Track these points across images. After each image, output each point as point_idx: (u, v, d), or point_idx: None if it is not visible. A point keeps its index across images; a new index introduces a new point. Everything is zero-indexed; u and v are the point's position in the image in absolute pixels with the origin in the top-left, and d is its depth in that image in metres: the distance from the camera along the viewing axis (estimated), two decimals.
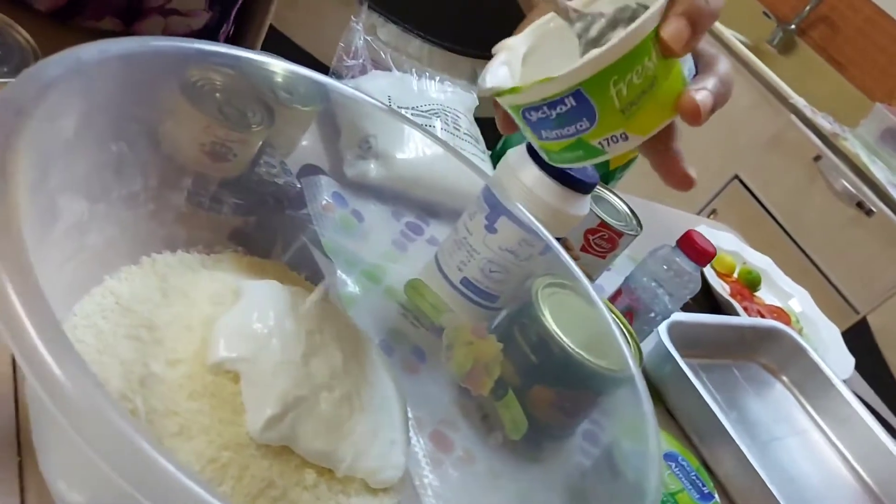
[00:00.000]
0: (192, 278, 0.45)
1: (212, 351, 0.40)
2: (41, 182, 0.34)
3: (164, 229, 0.46)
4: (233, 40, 0.80)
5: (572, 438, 0.58)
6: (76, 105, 0.36)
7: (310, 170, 0.68)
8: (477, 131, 0.83)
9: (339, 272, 0.62)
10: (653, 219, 0.91)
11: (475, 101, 0.87)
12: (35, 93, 0.33)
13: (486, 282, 0.60)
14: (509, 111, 0.41)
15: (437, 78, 0.84)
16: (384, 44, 0.82)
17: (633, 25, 0.36)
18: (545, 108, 0.38)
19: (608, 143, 0.38)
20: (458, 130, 0.80)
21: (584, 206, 0.60)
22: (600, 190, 0.76)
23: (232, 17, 0.73)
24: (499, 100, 0.41)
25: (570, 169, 0.58)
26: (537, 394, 0.57)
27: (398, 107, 0.78)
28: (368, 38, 0.81)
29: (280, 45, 0.82)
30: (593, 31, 0.39)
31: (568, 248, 0.78)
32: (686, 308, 0.78)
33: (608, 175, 0.84)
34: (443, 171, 0.72)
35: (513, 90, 0.38)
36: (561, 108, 0.37)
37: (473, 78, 0.90)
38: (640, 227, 0.75)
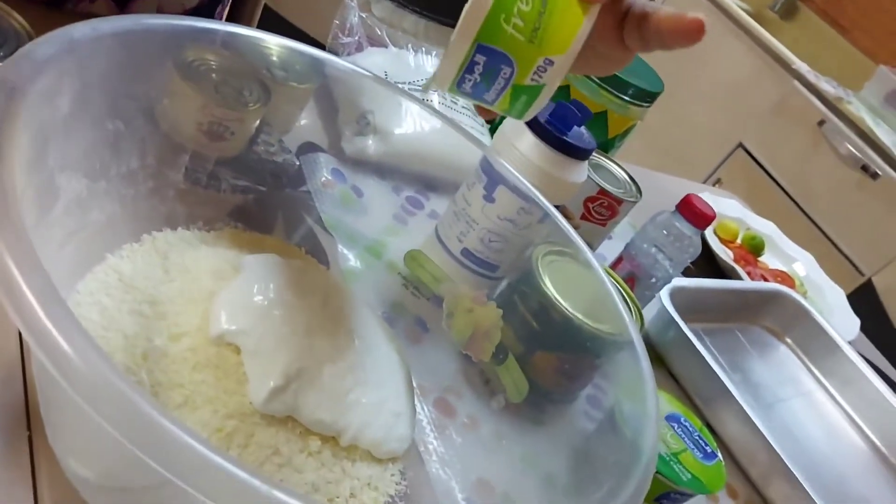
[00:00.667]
0: (193, 254, 0.46)
1: (213, 324, 0.41)
2: (39, 161, 0.35)
3: (165, 206, 0.47)
4: (229, 17, 0.80)
5: (576, 402, 0.59)
6: (70, 84, 0.36)
7: (308, 147, 0.69)
8: None
9: (340, 247, 0.62)
10: (654, 187, 0.91)
11: None
12: (28, 72, 0.33)
13: (486, 252, 0.61)
14: (456, 96, 0.42)
15: (434, 52, 0.84)
16: (379, 20, 0.82)
17: None
18: (467, 76, 0.38)
19: (539, 76, 0.38)
20: (456, 104, 0.80)
21: (581, 172, 0.60)
22: (599, 158, 0.76)
23: None
24: (433, 89, 0.42)
25: (565, 135, 0.58)
26: (540, 359, 0.57)
27: (395, 82, 0.78)
28: (363, 15, 0.81)
29: (275, 24, 0.82)
30: None
31: (568, 217, 0.78)
32: (688, 274, 0.78)
33: (607, 143, 0.84)
34: (441, 144, 0.73)
35: (432, 77, 0.39)
36: (478, 69, 0.38)
37: None
38: (640, 193, 0.75)
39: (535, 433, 0.56)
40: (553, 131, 0.58)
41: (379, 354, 0.50)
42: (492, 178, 0.59)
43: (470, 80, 0.38)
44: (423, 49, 0.83)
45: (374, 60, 0.80)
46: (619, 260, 0.75)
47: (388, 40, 0.83)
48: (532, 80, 0.38)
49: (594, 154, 0.77)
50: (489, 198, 0.59)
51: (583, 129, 0.61)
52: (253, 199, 0.60)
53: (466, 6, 0.36)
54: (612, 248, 0.81)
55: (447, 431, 0.53)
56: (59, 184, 0.37)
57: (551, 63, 0.37)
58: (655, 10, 0.39)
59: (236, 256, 0.46)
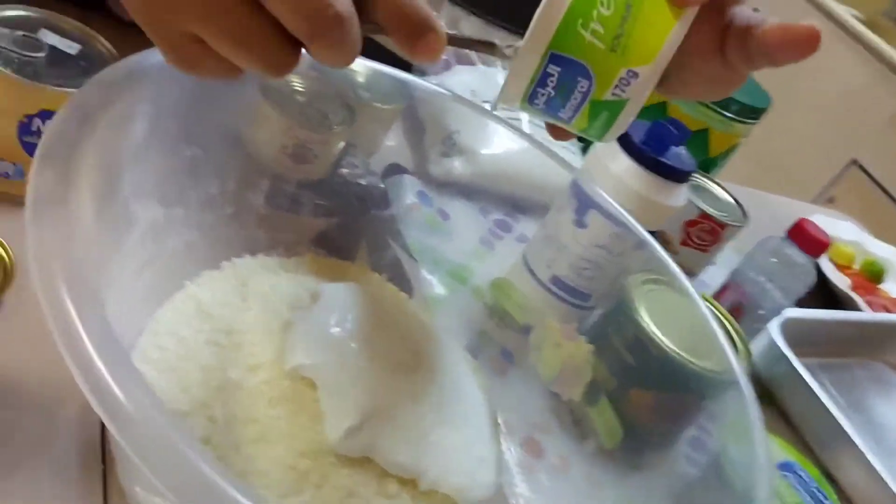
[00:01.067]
0: (272, 281, 0.45)
1: (289, 356, 0.40)
2: (113, 188, 0.34)
3: (245, 232, 0.46)
4: None
5: (676, 445, 0.54)
6: (145, 110, 0.36)
7: (394, 169, 0.67)
8: None
9: (424, 272, 0.60)
10: (761, 208, 0.85)
11: None
12: (101, 99, 0.32)
13: (578, 279, 0.57)
14: (528, 113, 0.38)
15: None
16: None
17: None
18: (539, 90, 0.34)
19: (622, 89, 0.33)
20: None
21: (679, 195, 0.56)
22: (700, 179, 0.72)
23: None
24: (505, 107, 0.38)
25: (662, 156, 0.54)
26: (636, 397, 0.53)
27: (482, 101, 0.76)
28: (451, 33, 0.79)
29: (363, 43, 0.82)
30: None
31: (666, 242, 0.74)
32: (800, 304, 0.72)
33: (708, 163, 0.79)
34: (530, 165, 0.70)
35: (501, 92, 0.36)
36: (551, 82, 0.33)
37: None
38: (746, 217, 0.70)
39: (631, 478, 0.52)
40: (649, 152, 0.54)
41: (463, 393, 0.47)
42: (583, 201, 0.56)
43: (543, 95, 0.34)
44: None
45: (461, 79, 0.78)
46: (723, 289, 0.70)
47: (476, 58, 0.81)
48: (613, 94, 0.34)
49: (694, 175, 0.73)
50: (580, 223, 0.56)
51: (681, 148, 0.57)
52: (336, 223, 0.59)
53: (538, 9, 0.32)
54: (715, 275, 0.76)
55: (535, 474, 0.50)
56: (134, 211, 0.37)
57: (635, 75, 0.33)
58: (760, 21, 0.34)
59: (316, 284, 0.45)
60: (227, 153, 0.43)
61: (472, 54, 0.81)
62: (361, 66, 0.64)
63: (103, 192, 0.32)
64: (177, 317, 0.42)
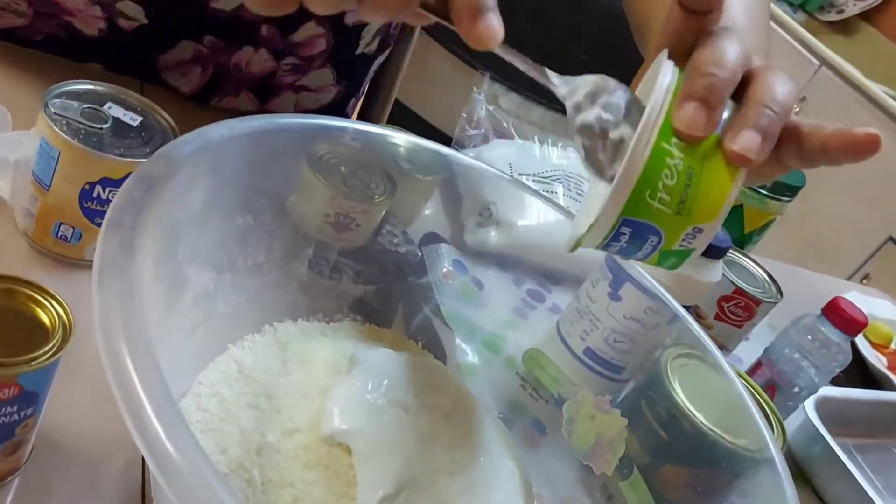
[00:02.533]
0: (312, 347, 0.46)
1: (325, 422, 0.40)
2: (170, 254, 0.36)
3: (287, 298, 0.47)
4: (361, 112, 0.83)
5: None
6: (204, 181, 0.38)
7: (431, 238, 0.69)
8: None
9: (458, 341, 0.61)
10: (795, 284, 0.85)
11: None
12: (166, 170, 0.34)
13: (611, 352, 0.58)
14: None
15: (560, 144, 0.84)
16: (506, 112, 0.83)
17: (631, 149, 0.35)
18: (613, 243, 0.38)
19: (688, 242, 0.37)
20: (581, 196, 0.78)
21: (715, 272, 0.57)
22: (735, 255, 0.72)
23: (362, 91, 0.76)
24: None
25: None
26: (668, 473, 0.53)
27: (519, 174, 0.78)
28: (490, 108, 0.82)
29: (404, 116, 0.85)
30: (578, 96, 0.38)
31: (700, 318, 0.74)
32: (835, 382, 0.71)
33: (743, 239, 0.79)
34: (564, 237, 0.71)
35: (576, 240, 0.39)
36: (623, 239, 0.37)
37: None
38: (781, 294, 0.70)
39: None
40: None
41: (498, 465, 0.47)
42: (618, 275, 0.56)
43: (616, 246, 0.38)
44: (550, 140, 0.83)
45: (499, 152, 0.80)
46: (757, 365, 0.69)
47: (514, 132, 0.83)
48: (681, 245, 0.37)
49: (731, 252, 0.73)
50: (615, 296, 0.57)
51: None
52: (374, 290, 0.60)
53: (614, 182, 0.35)
54: (749, 350, 0.75)
55: None
56: (187, 276, 0.38)
57: (700, 230, 0.37)
58: (815, 128, 0.37)
59: (353, 349, 0.46)
60: (275, 222, 0.45)
61: (511, 128, 0.84)
62: (403, 140, 0.67)
63: (161, 257, 0.34)
64: (220, 379, 0.43)
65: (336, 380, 0.43)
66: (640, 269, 0.56)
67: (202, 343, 0.42)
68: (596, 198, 0.40)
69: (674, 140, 0.35)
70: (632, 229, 0.37)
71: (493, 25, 0.32)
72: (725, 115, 0.36)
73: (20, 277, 0.34)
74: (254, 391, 0.43)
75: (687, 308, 0.56)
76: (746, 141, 0.34)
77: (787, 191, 0.78)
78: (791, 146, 0.37)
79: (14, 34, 0.60)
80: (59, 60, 0.61)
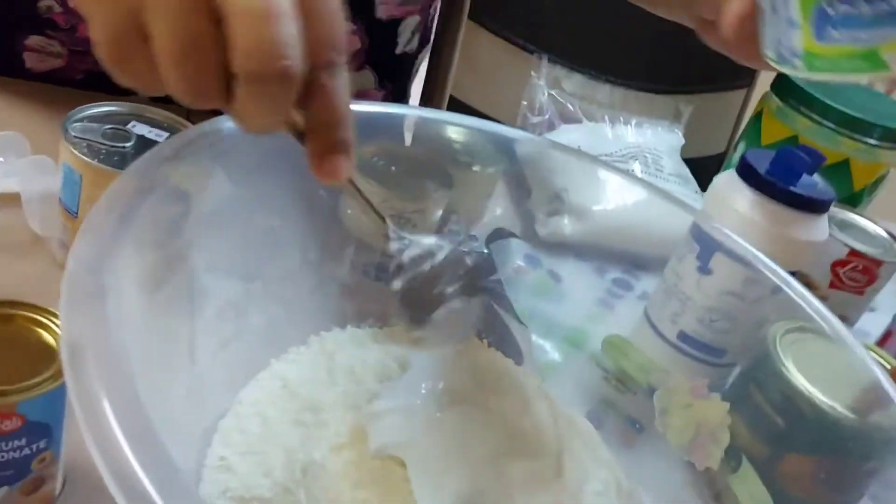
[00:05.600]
0: (360, 354, 0.42)
1: (373, 435, 0.36)
2: (176, 262, 0.33)
3: (331, 304, 0.43)
4: None
5: None
6: (215, 178, 0.34)
7: (500, 234, 0.64)
8: (686, 170, 0.74)
9: (535, 338, 0.55)
10: None
11: (680, 139, 0.78)
12: (160, 168, 0.31)
13: (708, 333, 0.51)
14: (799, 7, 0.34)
15: (633, 121, 0.77)
16: (570, 95, 0.77)
17: None
18: (863, 3, 0.32)
19: None
20: (661, 171, 0.71)
21: (819, 228, 0.49)
22: (846, 214, 0.64)
23: (409, 92, 0.73)
24: None
25: (793, 185, 0.48)
26: (791, 465, 0.45)
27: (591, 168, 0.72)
28: (553, 92, 0.77)
29: (460, 113, 0.80)
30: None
31: (812, 287, 0.65)
32: None
33: (854, 197, 0.70)
34: (647, 216, 0.64)
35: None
36: (882, 7, 0.31)
37: (676, 116, 0.82)
38: None
39: None
40: (777, 183, 0.48)
41: (590, 477, 0.41)
42: (705, 244, 0.50)
43: (854, 8, 0.32)
44: (621, 119, 0.77)
45: (567, 138, 0.75)
46: (886, 335, 0.60)
47: (581, 115, 0.77)
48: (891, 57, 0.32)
49: (840, 211, 0.65)
50: (704, 269, 0.50)
51: (816, 177, 0.50)
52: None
53: None
54: (875, 321, 0.66)
55: None
56: (205, 286, 0.35)
57: None
58: None
59: (405, 353, 0.41)
60: (307, 221, 0.41)
61: (578, 111, 0.78)
62: (459, 129, 0.63)
63: (162, 264, 0.31)
64: (262, 396, 0.39)
65: (386, 386, 0.39)
66: (732, 235, 0.49)
67: (238, 358, 0.39)
68: None
69: None
70: None
71: (339, 167, 0.29)
72: None
73: (19, 301, 0.32)
74: (299, 406, 0.39)
75: (793, 275, 0.49)
76: None
77: None
78: None
79: (56, 76, 0.60)
80: (94, 95, 0.60)
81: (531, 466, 0.38)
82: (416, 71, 0.72)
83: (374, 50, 0.65)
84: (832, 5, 0.32)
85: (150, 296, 0.29)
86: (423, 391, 0.38)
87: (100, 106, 0.46)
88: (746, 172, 0.49)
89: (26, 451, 0.31)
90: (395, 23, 0.65)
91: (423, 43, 0.71)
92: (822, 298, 0.64)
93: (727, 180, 0.51)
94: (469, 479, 0.35)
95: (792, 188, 0.48)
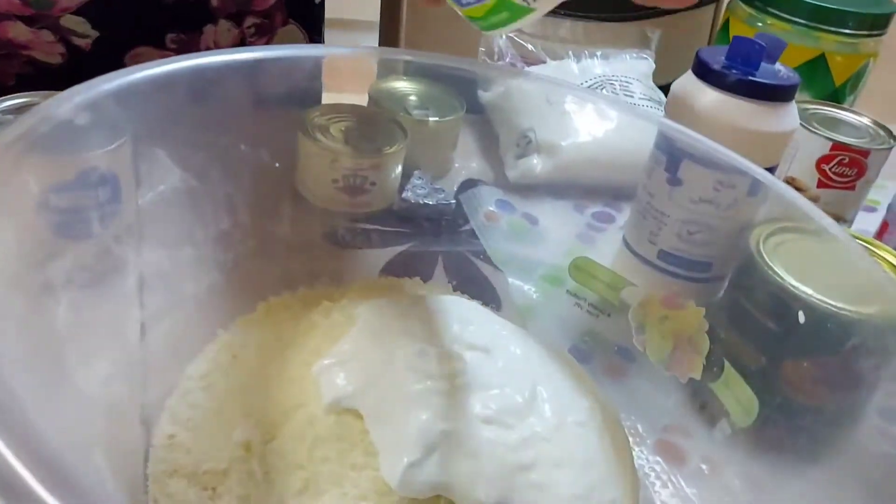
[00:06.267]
0: (312, 315, 0.39)
1: (325, 389, 0.34)
2: (83, 227, 0.30)
3: (276, 268, 0.41)
4: None
5: (862, 420, 0.43)
6: (100, 138, 0.32)
7: (469, 185, 0.62)
8: (659, 94, 0.71)
9: (512, 281, 0.53)
10: None
11: (651, 65, 0.75)
12: (47, 125, 0.29)
13: (690, 248, 0.48)
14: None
15: (599, 53, 0.74)
16: (530, 36, 0.74)
17: None
18: None
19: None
20: (632, 97, 0.68)
21: (787, 117, 0.46)
22: (826, 109, 0.60)
23: None
24: None
25: (752, 75, 0.45)
26: (791, 370, 0.43)
27: (554, 101, 0.69)
28: (511, 35, 0.74)
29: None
30: None
31: (800, 190, 0.62)
32: None
33: (836, 94, 0.67)
34: (619, 142, 0.61)
35: None
36: None
37: (644, 42, 0.78)
38: (894, 138, 0.57)
39: (808, 474, 0.41)
40: (736, 75, 0.45)
41: (571, 409, 0.37)
42: (671, 154, 0.47)
43: None
44: (586, 52, 0.74)
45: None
46: (883, 227, 0.57)
47: (544, 54, 0.74)
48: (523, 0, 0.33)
49: (819, 107, 0.61)
50: (674, 180, 0.47)
51: (778, 65, 0.47)
52: (406, 250, 0.53)
53: None
54: (871, 220, 0.63)
55: (678, 485, 0.40)
56: (122, 256, 0.33)
57: None
58: None
59: (354, 307, 0.39)
60: (229, 181, 0.38)
61: (541, 51, 0.75)
62: (410, 83, 0.60)
63: (57, 229, 0.28)
64: (212, 369, 0.37)
65: (336, 343, 0.36)
66: (697, 138, 0.46)
67: (179, 332, 0.37)
68: None
69: None
70: None
71: None
72: None
73: None
74: (249, 374, 0.36)
75: (770, 171, 0.46)
76: None
77: (878, 23, 0.65)
78: None
79: None
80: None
81: (499, 400, 0.35)
82: None
83: (293, 1, 0.63)
84: None
85: (32, 275, 0.27)
86: (375, 340, 0.36)
87: (13, 98, 0.44)
88: (702, 70, 0.46)
89: None
90: None
91: None
92: (813, 200, 0.61)
93: (684, 82, 0.48)
94: (428, 420, 0.33)
95: (751, 78, 0.44)
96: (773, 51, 0.46)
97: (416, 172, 0.58)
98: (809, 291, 0.41)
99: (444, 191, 0.58)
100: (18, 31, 0.55)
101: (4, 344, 0.21)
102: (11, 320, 0.23)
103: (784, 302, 0.42)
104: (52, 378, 0.26)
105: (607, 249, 0.55)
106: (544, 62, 0.74)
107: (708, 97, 0.46)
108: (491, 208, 0.59)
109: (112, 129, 0.32)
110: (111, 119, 0.32)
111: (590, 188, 0.62)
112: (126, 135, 0.33)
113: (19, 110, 0.44)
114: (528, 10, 0.33)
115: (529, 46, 0.74)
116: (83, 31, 0.56)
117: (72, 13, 0.55)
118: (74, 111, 0.30)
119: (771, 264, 0.43)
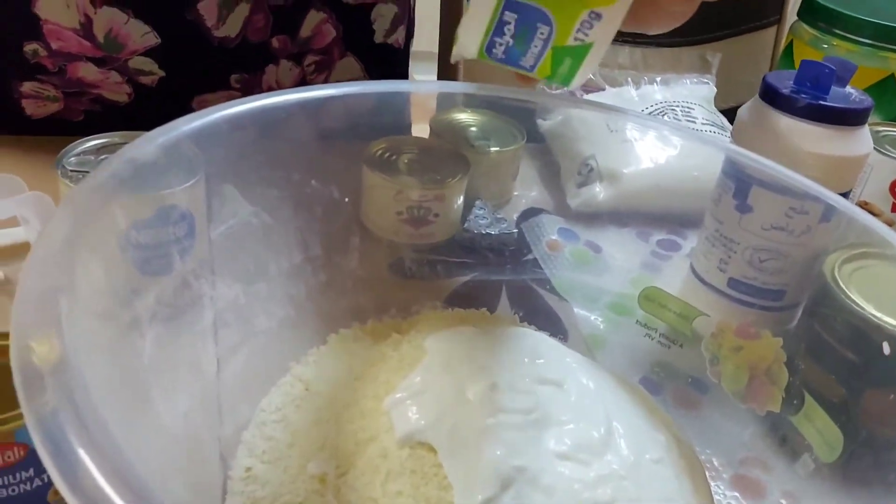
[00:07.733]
0: (382, 347, 0.40)
1: (397, 423, 0.34)
2: (163, 263, 0.31)
3: (345, 300, 0.41)
4: None
5: None
6: (181, 179, 0.33)
7: (530, 213, 0.61)
8: (721, 119, 0.70)
9: (577, 310, 0.52)
10: None
11: (712, 89, 0.74)
12: (130, 167, 0.30)
13: (761, 276, 0.47)
14: (487, 62, 0.36)
15: (659, 79, 0.74)
16: None
17: None
18: (497, 40, 0.33)
19: (585, 33, 0.32)
20: (694, 122, 0.67)
21: (860, 141, 0.45)
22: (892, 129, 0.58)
23: None
24: (464, 58, 0.36)
25: (822, 99, 0.44)
26: (872, 401, 0.41)
27: (615, 129, 0.68)
28: None
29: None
30: None
31: (875, 214, 0.60)
32: None
33: None
34: (682, 169, 0.61)
35: (456, 43, 0.35)
36: (509, 30, 0.33)
37: (704, 66, 0.78)
38: None
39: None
40: (804, 99, 0.44)
41: (647, 444, 0.37)
42: (740, 180, 0.46)
43: (501, 45, 0.33)
44: (645, 78, 0.73)
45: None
46: None
47: (603, 82, 0.74)
48: (576, 39, 0.32)
49: (893, 129, 0.59)
50: (744, 206, 0.46)
51: (849, 89, 0.46)
52: (470, 280, 0.53)
53: None
54: None
55: None
56: (197, 290, 0.33)
57: (598, 17, 0.31)
58: None
59: (423, 339, 0.39)
60: (301, 215, 0.39)
61: (599, 78, 0.75)
62: (470, 114, 0.61)
63: (137, 270, 0.29)
64: (285, 402, 0.38)
65: (410, 375, 0.37)
66: (765, 164, 0.45)
67: (252, 365, 0.37)
68: None
69: None
70: (518, 16, 0.32)
71: None
72: None
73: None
74: (321, 406, 0.37)
75: (845, 198, 0.45)
76: None
77: None
78: None
79: (55, 121, 0.61)
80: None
81: (575, 436, 0.35)
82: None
83: (349, 35, 0.64)
84: (492, 52, 0.34)
85: (120, 310, 0.28)
86: (447, 372, 0.36)
87: (92, 140, 0.46)
88: (770, 95, 0.45)
89: (37, 482, 0.30)
90: (367, 7, 0.64)
91: (410, 36, 0.69)
92: (888, 224, 0.59)
93: (751, 108, 0.47)
94: (505, 456, 0.32)
95: (823, 102, 0.44)
96: (843, 74, 0.45)
97: (477, 202, 0.58)
98: (886, 318, 0.40)
99: (505, 220, 0.58)
100: (88, 72, 0.57)
101: (96, 374, 0.22)
102: (103, 353, 0.24)
103: (860, 331, 0.41)
104: (138, 410, 0.27)
105: (673, 277, 0.54)
106: (603, 90, 0.74)
107: (778, 123, 0.45)
108: (553, 237, 0.59)
109: (188, 167, 0.33)
110: (187, 157, 0.33)
111: (653, 216, 0.61)
112: (200, 172, 0.34)
113: (98, 151, 0.46)
114: (587, 46, 0.33)
115: (590, 75, 0.74)
116: (150, 70, 0.58)
117: (140, 55, 0.57)
118: (157, 152, 0.32)
119: (848, 292, 0.42)
